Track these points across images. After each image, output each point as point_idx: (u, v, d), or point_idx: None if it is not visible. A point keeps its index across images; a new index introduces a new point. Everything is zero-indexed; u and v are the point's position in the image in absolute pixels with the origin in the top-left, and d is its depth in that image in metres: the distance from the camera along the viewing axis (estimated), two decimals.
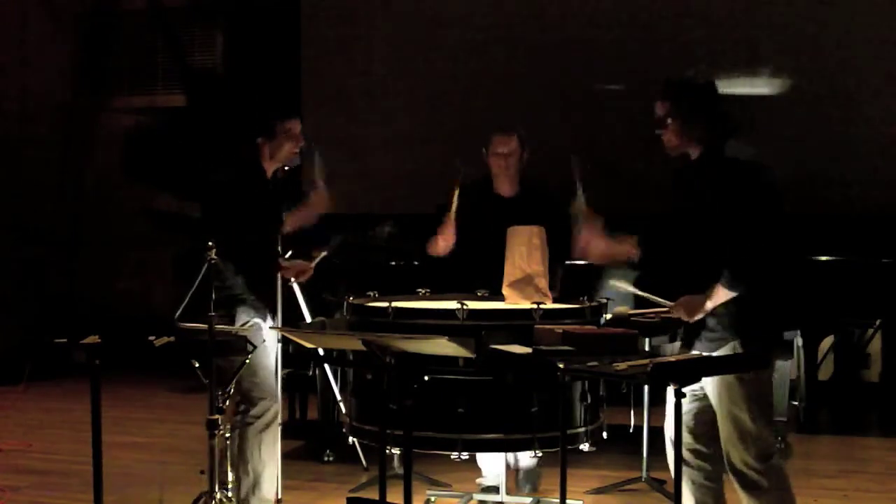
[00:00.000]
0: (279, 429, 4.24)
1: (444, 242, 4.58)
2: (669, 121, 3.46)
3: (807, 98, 7.32)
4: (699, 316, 3.40)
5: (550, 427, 3.65)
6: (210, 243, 3.51)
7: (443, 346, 3.06)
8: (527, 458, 4.65)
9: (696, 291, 3.39)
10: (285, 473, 4.68)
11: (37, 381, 7.53)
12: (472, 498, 4.57)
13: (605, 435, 3.96)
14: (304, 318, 4.98)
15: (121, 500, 4.58)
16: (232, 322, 3.97)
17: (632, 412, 5.35)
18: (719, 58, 7.26)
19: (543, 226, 4.15)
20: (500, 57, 7.87)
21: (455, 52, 8.00)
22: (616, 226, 3.74)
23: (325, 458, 5.48)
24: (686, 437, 3.45)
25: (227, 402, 3.65)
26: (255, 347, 3.70)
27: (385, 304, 3.73)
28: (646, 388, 4.96)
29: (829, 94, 7.31)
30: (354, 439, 4.09)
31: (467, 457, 3.78)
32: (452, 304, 3.71)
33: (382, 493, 3.23)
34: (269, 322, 4.18)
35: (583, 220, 3.79)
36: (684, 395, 2.89)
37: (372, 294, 4.05)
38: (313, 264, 4.42)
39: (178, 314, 3.50)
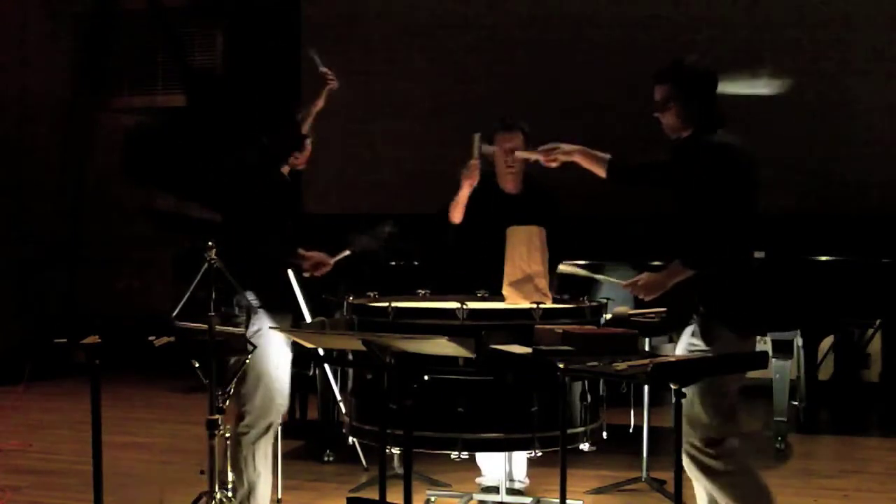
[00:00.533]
0: (272, 441, 4.18)
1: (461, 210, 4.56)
2: (670, 103, 3.52)
3: (807, 98, 7.32)
4: (656, 294, 3.47)
5: (550, 427, 3.65)
6: (210, 243, 3.51)
7: (443, 346, 3.06)
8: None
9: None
10: (285, 473, 4.68)
11: (37, 381, 7.53)
12: (472, 498, 4.57)
13: (605, 435, 3.96)
14: (304, 318, 4.98)
15: (121, 500, 4.57)
16: (236, 323, 3.94)
17: (632, 412, 5.35)
18: (720, 58, 7.25)
19: (546, 224, 4.14)
20: (500, 57, 7.87)
21: (455, 52, 8.00)
22: (617, 226, 3.76)
23: (325, 458, 5.48)
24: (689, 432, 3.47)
25: (227, 402, 3.65)
26: (254, 347, 3.70)
27: (385, 304, 3.73)
28: (646, 388, 4.96)
29: (829, 94, 7.31)
30: (354, 439, 4.08)
31: (467, 457, 3.78)
32: (452, 304, 3.71)
33: (382, 493, 3.23)
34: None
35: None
36: (684, 395, 2.90)
37: (372, 294, 4.05)
38: (333, 260, 4.32)
39: (175, 313, 3.50)
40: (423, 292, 4.21)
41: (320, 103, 4.67)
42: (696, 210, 3.42)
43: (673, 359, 3.17)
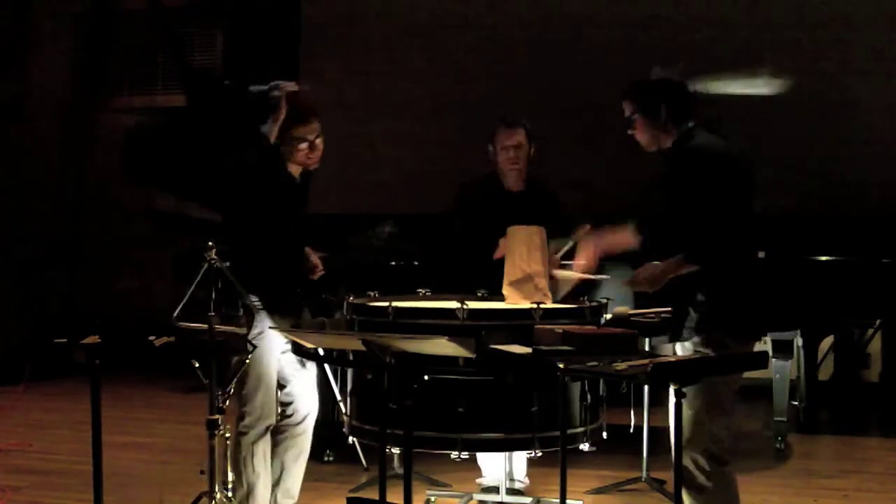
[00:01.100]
0: (269, 442, 4.15)
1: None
2: (636, 117, 3.58)
3: (807, 98, 7.32)
4: (658, 286, 3.48)
5: (550, 427, 3.65)
6: (210, 243, 3.50)
7: (443, 346, 3.06)
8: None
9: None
10: None
11: (37, 381, 7.53)
12: (472, 498, 4.57)
13: (605, 435, 3.96)
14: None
15: (121, 500, 4.57)
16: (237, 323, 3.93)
17: (632, 412, 5.35)
18: (720, 58, 7.26)
19: (548, 223, 4.14)
20: (500, 57, 7.87)
21: (455, 52, 8.00)
22: (616, 226, 3.75)
23: (325, 458, 5.47)
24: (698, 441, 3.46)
25: (227, 402, 3.65)
26: (255, 347, 3.70)
27: (385, 304, 3.72)
28: (646, 388, 4.96)
29: (829, 94, 7.31)
30: (354, 439, 4.08)
31: (467, 457, 3.78)
32: (452, 304, 3.71)
33: (382, 493, 3.23)
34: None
35: (579, 242, 3.86)
36: (685, 395, 2.90)
37: (372, 294, 4.04)
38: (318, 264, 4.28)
39: (175, 313, 3.50)
40: (423, 292, 4.21)
41: (281, 113, 4.35)
42: (693, 213, 3.42)
43: (673, 359, 3.17)
